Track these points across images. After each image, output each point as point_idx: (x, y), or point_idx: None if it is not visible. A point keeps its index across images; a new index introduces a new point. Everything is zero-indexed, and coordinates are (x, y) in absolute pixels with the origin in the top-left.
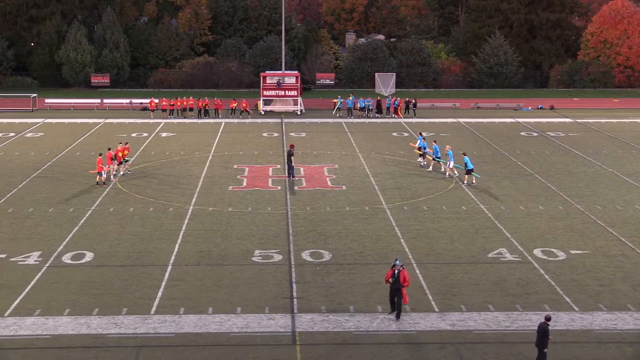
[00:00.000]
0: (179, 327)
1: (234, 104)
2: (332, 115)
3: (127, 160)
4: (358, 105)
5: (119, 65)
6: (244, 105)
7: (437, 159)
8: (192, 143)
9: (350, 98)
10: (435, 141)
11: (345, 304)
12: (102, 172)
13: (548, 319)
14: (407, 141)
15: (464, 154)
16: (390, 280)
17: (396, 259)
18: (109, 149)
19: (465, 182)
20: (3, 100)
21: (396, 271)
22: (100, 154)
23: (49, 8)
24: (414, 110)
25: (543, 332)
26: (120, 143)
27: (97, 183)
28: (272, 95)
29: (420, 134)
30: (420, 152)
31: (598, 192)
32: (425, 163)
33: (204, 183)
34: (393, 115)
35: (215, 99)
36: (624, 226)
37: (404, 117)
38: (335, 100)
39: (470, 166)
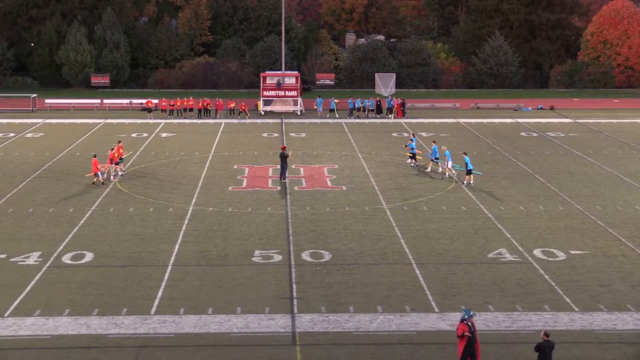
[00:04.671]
0: (179, 327)
1: (232, 104)
2: (322, 115)
3: (122, 159)
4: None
5: (119, 65)
6: (243, 106)
7: (435, 160)
8: (192, 143)
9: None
10: (434, 142)
11: (345, 304)
12: (98, 173)
13: (547, 334)
14: (407, 141)
15: (465, 154)
16: (468, 334)
17: (469, 310)
18: (112, 149)
19: (465, 182)
20: (3, 101)
21: (469, 323)
22: (94, 155)
23: (49, 8)
24: (403, 110)
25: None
26: (116, 144)
27: (94, 183)
28: (272, 96)
29: (414, 135)
30: (410, 155)
31: (598, 192)
32: (416, 164)
33: (204, 183)
34: (389, 115)
35: (216, 99)
36: (624, 226)
37: (395, 118)
38: (327, 100)
39: (470, 166)
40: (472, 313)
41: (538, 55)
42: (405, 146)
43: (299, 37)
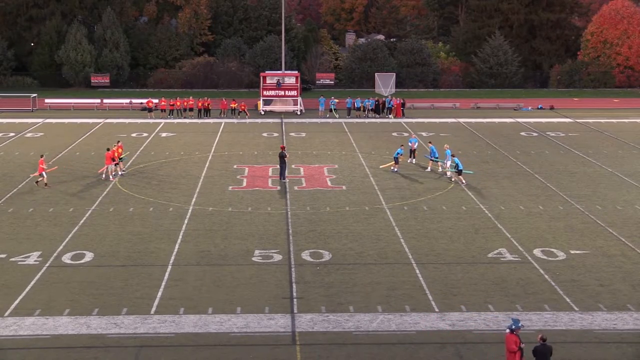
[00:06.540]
0: (179, 327)
1: (233, 104)
2: (323, 115)
3: (122, 159)
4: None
5: (119, 65)
6: (243, 106)
7: (435, 159)
8: (192, 143)
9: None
10: (430, 142)
11: (345, 304)
12: (43, 173)
13: (544, 339)
14: (406, 141)
15: (453, 155)
16: (523, 346)
17: (518, 320)
18: (108, 149)
19: (464, 182)
20: (3, 100)
21: (518, 334)
22: (42, 156)
23: (49, 8)
24: (402, 110)
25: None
26: (115, 143)
27: (37, 183)
28: (272, 95)
29: (413, 136)
30: (400, 160)
31: (598, 192)
32: (397, 170)
33: (204, 183)
34: (388, 115)
35: (222, 99)
36: (624, 226)
37: (395, 118)
38: (330, 100)
39: (461, 167)
40: (520, 324)
41: (538, 55)
42: (395, 162)
43: (299, 37)
